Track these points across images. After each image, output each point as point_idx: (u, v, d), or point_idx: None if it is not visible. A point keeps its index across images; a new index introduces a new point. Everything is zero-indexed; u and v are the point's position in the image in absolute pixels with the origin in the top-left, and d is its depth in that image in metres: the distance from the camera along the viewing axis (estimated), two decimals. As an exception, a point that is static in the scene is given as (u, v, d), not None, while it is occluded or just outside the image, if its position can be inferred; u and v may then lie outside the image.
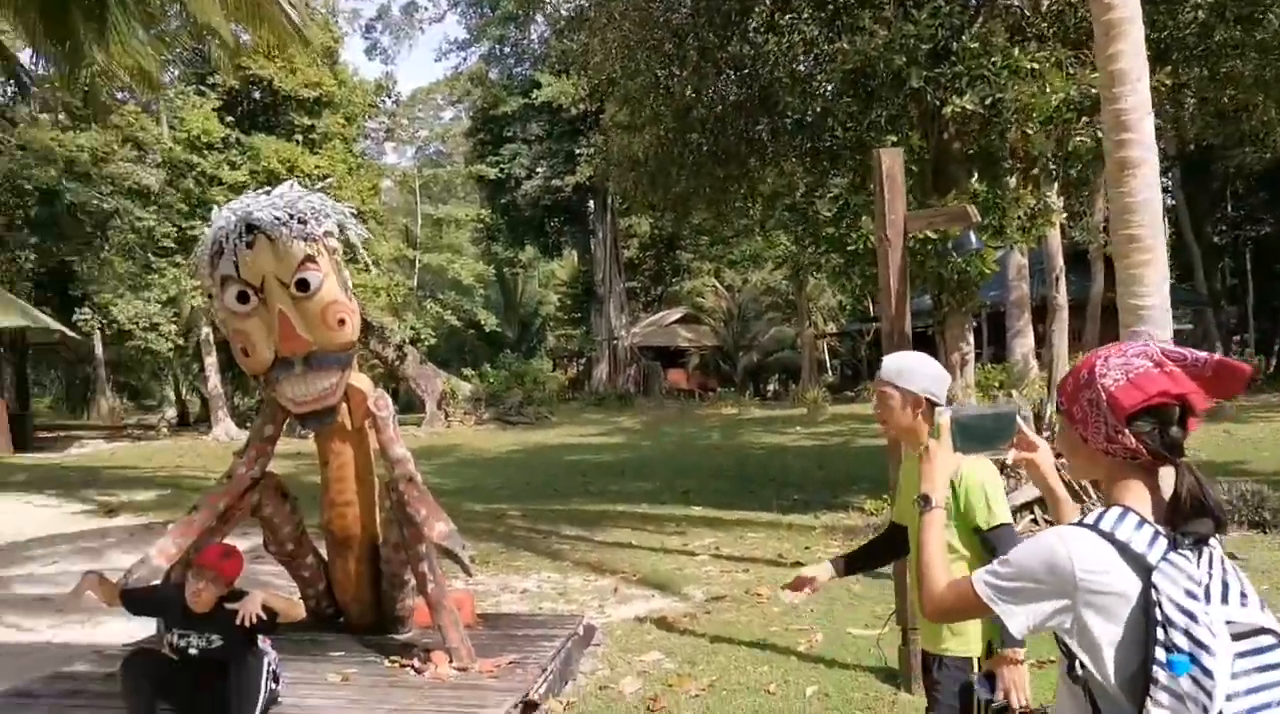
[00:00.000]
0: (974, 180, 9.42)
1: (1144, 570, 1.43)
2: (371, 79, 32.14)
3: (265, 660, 3.85)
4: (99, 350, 32.46)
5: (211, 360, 25.40)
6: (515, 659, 4.54)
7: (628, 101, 12.43)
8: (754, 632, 5.76)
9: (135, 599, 3.89)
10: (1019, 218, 9.67)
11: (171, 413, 32.96)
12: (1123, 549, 1.45)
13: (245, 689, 3.69)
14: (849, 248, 9.85)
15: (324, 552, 5.00)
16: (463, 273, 31.62)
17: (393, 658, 4.54)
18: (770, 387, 41.86)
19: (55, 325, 21.43)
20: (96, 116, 22.10)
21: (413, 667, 4.41)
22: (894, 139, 9.76)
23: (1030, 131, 9.13)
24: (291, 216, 4.10)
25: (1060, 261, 18.14)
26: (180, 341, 25.58)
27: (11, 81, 22.82)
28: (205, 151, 23.60)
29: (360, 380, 4.65)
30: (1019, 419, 2.00)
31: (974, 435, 2.02)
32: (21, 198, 23.33)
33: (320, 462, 4.74)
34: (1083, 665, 1.50)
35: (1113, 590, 1.44)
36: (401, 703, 3.98)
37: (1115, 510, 1.51)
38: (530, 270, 44.93)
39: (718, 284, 41.58)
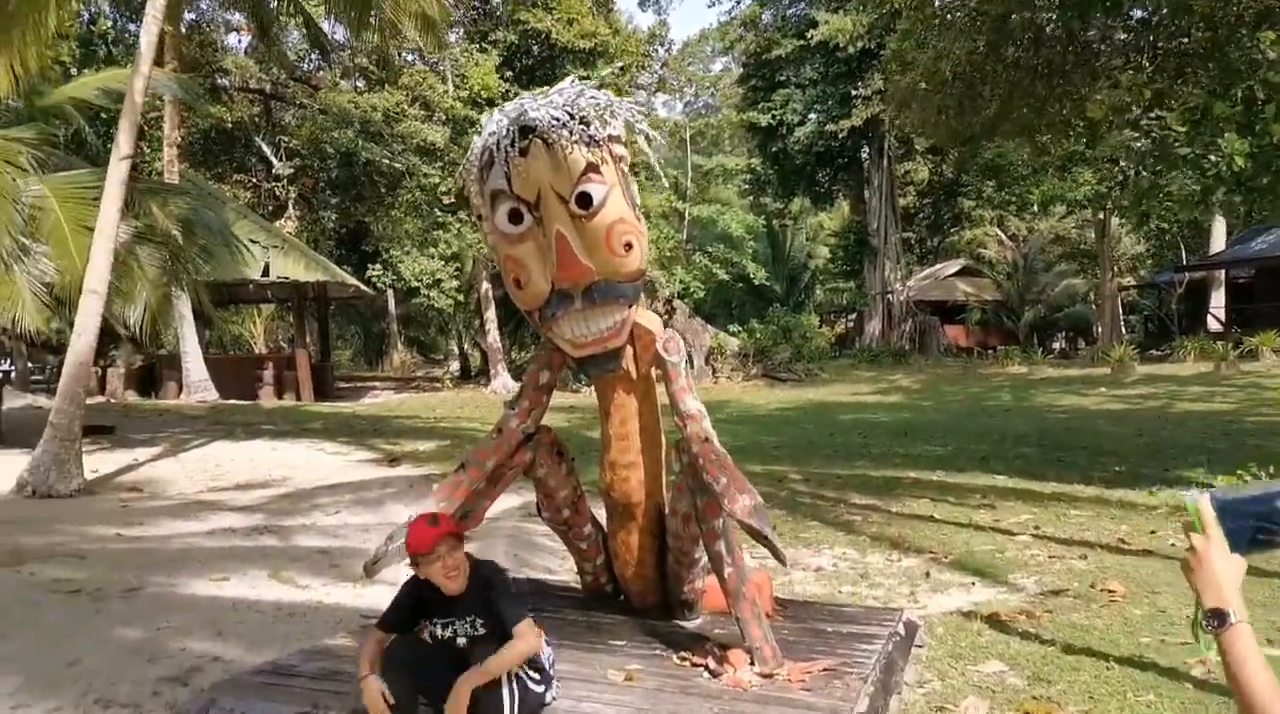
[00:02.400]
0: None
1: None
2: (645, 28, 31.85)
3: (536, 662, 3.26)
4: (392, 306, 34.78)
5: (491, 314, 26.27)
6: (830, 666, 3.68)
7: (928, 19, 11.01)
8: (1117, 642, 4.56)
9: (398, 623, 3.36)
10: None
11: (455, 366, 34.73)
12: None
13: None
14: (1208, 171, 8.10)
15: (604, 521, 4.34)
16: (732, 225, 30.91)
17: (682, 654, 3.81)
18: (1056, 345, 38.40)
19: (352, 281, 22.81)
20: (388, 78, 23.21)
21: (706, 667, 3.65)
22: (1273, 36, 7.95)
23: None
24: (571, 116, 3.37)
25: None
26: (461, 297, 26.66)
27: (315, 51, 24.47)
28: (486, 107, 24.20)
29: (648, 318, 3.90)
30: None
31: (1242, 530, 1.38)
32: (324, 160, 24.98)
33: (601, 415, 4.05)
34: None
35: None
36: (697, 716, 3.22)
37: None
38: (799, 223, 43.51)
39: (1001, 233, 38.44)
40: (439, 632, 3.25)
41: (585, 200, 3.44)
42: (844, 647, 3.95)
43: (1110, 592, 5.43)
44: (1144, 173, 10.17)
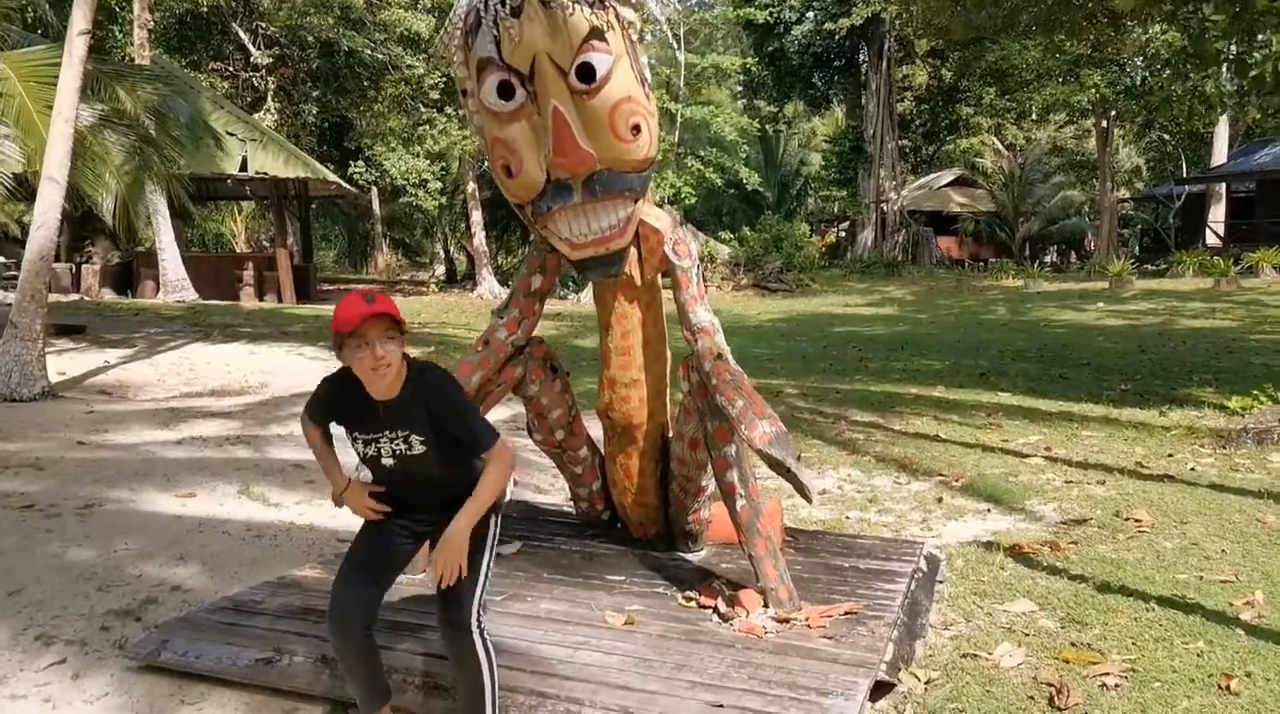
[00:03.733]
0: None
1: None
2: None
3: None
4: (376, 207, 33.89)
5: (477, 217, 25.61)
6: (851, 609, 3.31)
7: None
8: (1152, 578, 4.22)
9: (327, 416, 2.75)
10: None
11: (440, 270, 34.06)
12: None
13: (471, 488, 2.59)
14: (1250, 70, 7.54)
15: (601, 443, 3.92)
16: (725, 128, 29.94)
17: (688, 594, 3.43)
18: (1049, 258, 37.96)
19: (334, 178, 21.96)
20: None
21: (715, 609, 3.28)
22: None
23: None
24: (572, -29, 2.82)
25: None
26: (446, 199, 25.92)
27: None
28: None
29: (656, 216, 3.40)
30: None
31: None
32: (304, 50, 23.85)
33: (600, 326, 3.58)
34: None
35: None
36: (706, 671, 2.84)
37: None
38: (793, 128, 42.36)
39: (998, 142, 37.56)
40: (361, 449, 2.67)
41: (587, 72, 2.91)
42: (864, 586, 3.59)
43: (1137, 521, 5.09)
44: (1167, 73, 9.56)
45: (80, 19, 8.74)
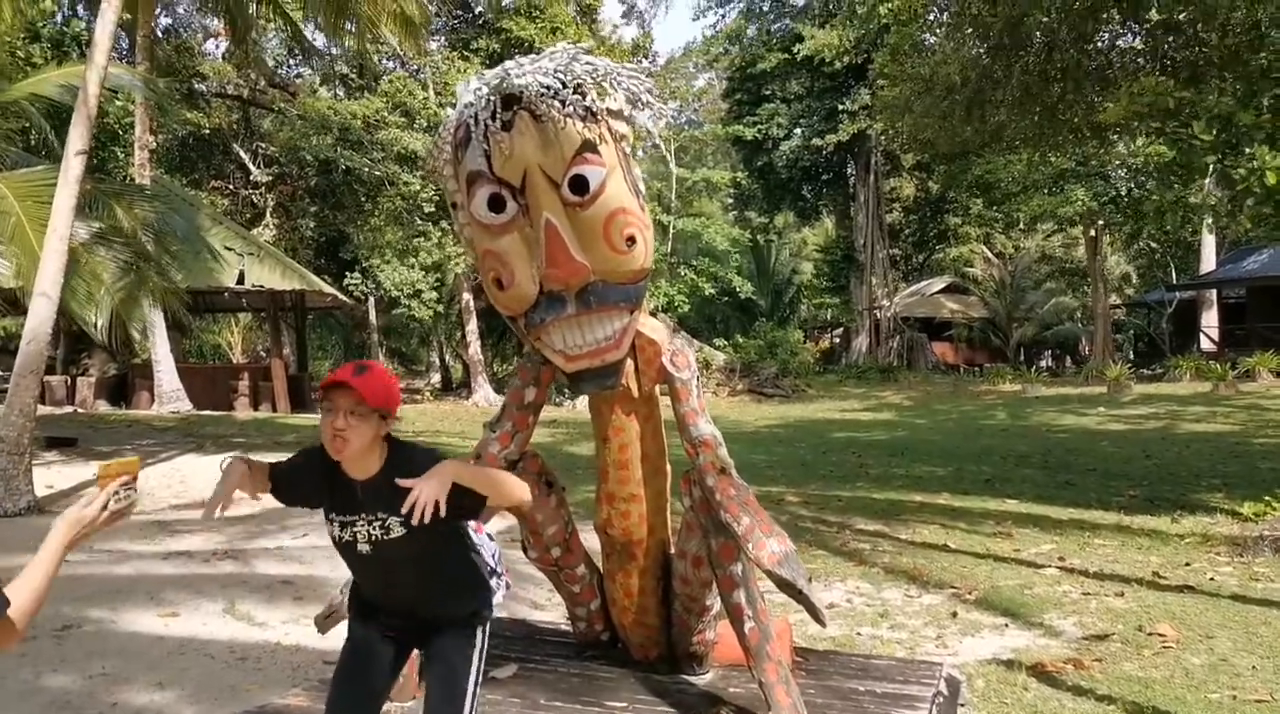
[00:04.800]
0: None
1: None
2: (629, 40, 31.43)
3: (480, 554, 2.62)
4: (373, 316, 34.10)
5: (472, 326, 25.80)
6: (869, 738, 3.10)
7: (922, 30, 10.59)
8: (1183, 698, 4.02)
9: (285, 479, 2.52)
10: None
11: (436, 378, 34.07)
12: None
13: (456, 588, 2.47)
14: (1238, 183, 7.64)
15: (599, 561, 3.75)
16: (716, 239, 30.41)
17: (694, 723, 3.23)
18: (1044, 362, 38.13)
19: (329, 290, 22.13)
20: (368, 84, 22.69)
21: (725, 741, 3.08)
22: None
23: None
24: (564, 84, 2.80)
25: None
26: (442, 308, 26.11)
27: (295, 54, 23.89)
28: (467, 116, 23.65)
29: (652, 327, 3.32)
30: None
31: None
32: (303, 168, 24.37)
33: (597, 439, 3.46)
34: None
35: None
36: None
37: None
38: (783, 238, 43.09)
39: (987, 251, 38.16)
40: (337, 532, 2.46)
41: (580, 184, 2.87)
42: (882, 713, 3.37)
43: (1160, 636, 4.89)
44: (1149, 186, 9.74)
45: (77, 139, 8.87)
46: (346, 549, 2.47)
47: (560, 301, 2.99)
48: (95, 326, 10.90)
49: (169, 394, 19.12)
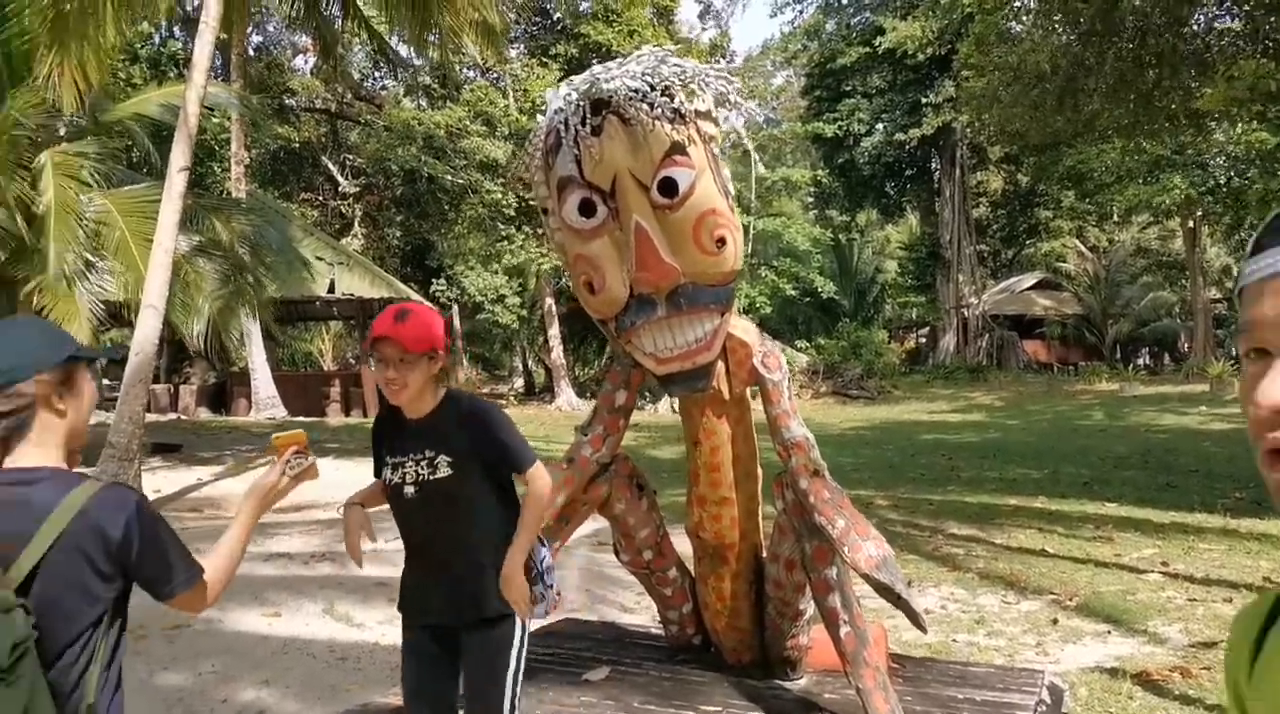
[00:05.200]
0: None
1: None
2: (707, 41, 31.35)
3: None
4: (456, 322, 34.72)
5: (555, 331, 26.02)
6: (970, 746, 3.03)
7: (1007, 17, 10.33)
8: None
9: (381, 467, 2.65)
10: None
11: (519, 383, 34.46)
12: None
13: (495, 540, 2.50)
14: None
15: (691, 563, 3.75)
16: (798, 238, 30.18)
17: (790, 728, 3.20)
18: (1141, 360, 36.82)
19: (416, 297, 22.58)
20: (450, 94, 23.10)
21: (822, 747, 3.04)
22: None
23: None
24: (653, 87, 2.81)
25: None
26: (525, 313, 26.41)
27: (379, 67, 24.45)
28: (548, 122, 23.90)
29: (743, 328, 3.31)
30: None
31: None
32: (389, 178, 24.94)
33: (688, 441, 3.46)
34: None
35: None
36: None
37: None
38: (866, 236, 42.47)
39: (1080, 245, 37.03)
40: (389, 475, 2.53)
41: (670, 187, 2.87)
42: (980, 720, 3.30)
43: (1274, 644, 4.67)
44: (1250, 174, 9.34)
45: (180, 156, 9.21)
46: (395, 496, 2.54)
47: (651, 304, 2.99)
48: (194, 336, 11.33)
49: (265, 401, 19.74)
